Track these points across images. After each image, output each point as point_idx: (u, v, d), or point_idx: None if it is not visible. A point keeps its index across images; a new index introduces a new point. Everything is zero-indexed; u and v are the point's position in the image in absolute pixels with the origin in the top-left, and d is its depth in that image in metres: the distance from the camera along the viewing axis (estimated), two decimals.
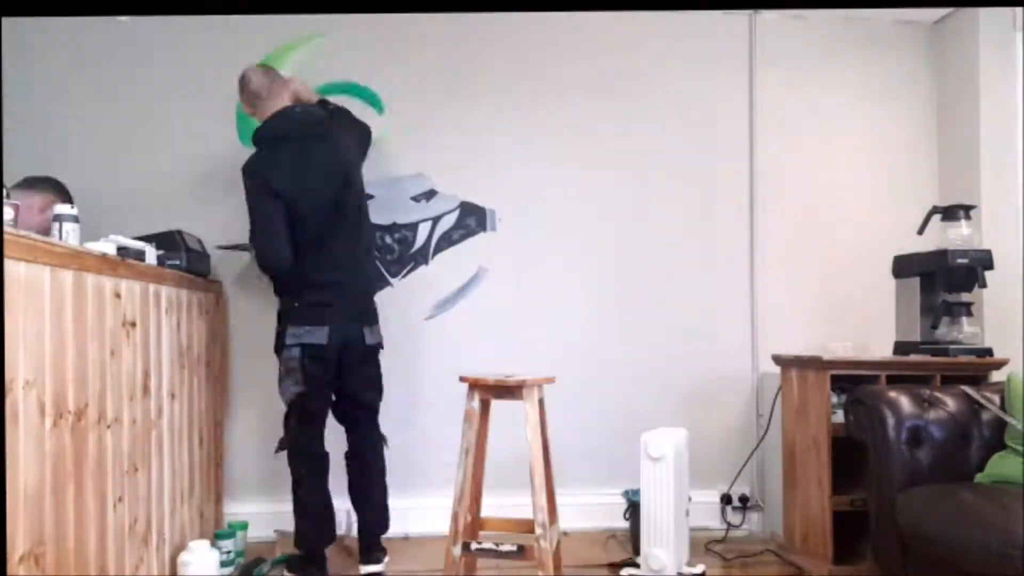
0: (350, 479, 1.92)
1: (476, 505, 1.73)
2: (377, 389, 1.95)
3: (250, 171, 1.81)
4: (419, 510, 2.24)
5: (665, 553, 1.76)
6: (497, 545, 1.60)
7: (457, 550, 1.62)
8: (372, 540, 1.90)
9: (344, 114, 2.02)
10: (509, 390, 1.65)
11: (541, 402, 1.69)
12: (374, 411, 1.95)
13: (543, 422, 1.70)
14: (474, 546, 1.62)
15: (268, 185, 1.77)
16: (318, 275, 1.81)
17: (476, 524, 1.73)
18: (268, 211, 1.78)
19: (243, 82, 1.89)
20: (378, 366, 1.95)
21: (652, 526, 1.78)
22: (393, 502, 1.98)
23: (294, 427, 1.88)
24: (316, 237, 1.80)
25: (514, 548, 1.58)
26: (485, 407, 1.70)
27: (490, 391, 1.68)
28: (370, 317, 1.92)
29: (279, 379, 1.86)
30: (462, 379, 1.69)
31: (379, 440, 1.96)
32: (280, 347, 1.85)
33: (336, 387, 1.89)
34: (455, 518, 1.65)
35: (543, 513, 1.57)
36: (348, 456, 1.94)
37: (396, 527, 2.03)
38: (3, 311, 1.03)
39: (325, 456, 1.90)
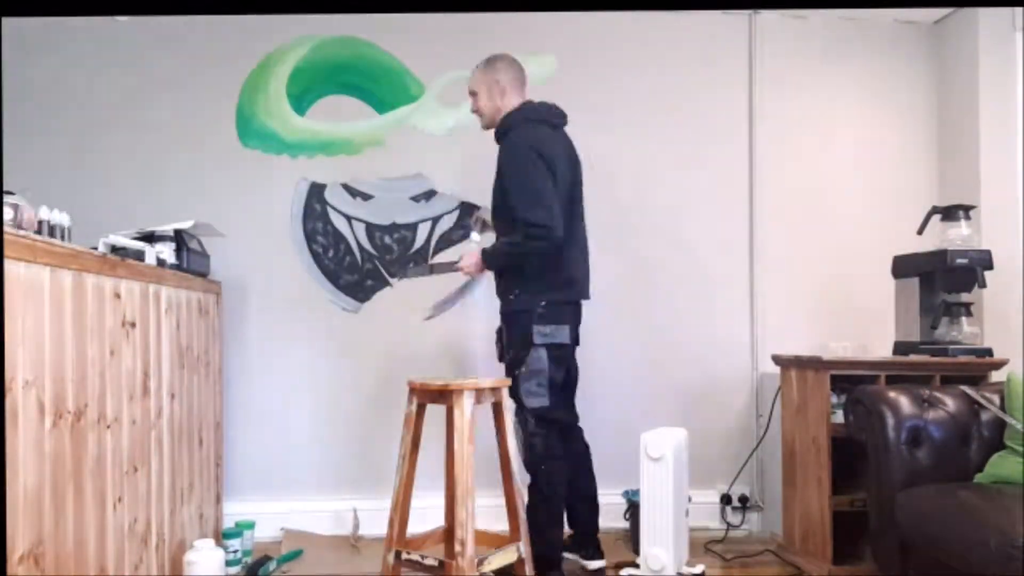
0: (578, 479, 1.89)
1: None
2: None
3: (516, 142, 1.75)
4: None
5: (665, 553, 1.76)
6: (422, 557, 1.62)
7: (391, 557, 1.65)
8: (589, 535, 1.89)
9: None
10: (442, 395, 1.62)
11: (497, 406, 1.68)
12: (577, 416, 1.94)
13: (502, 429, 1.69)
14: (403, 555, 1.64)
15: (543, 156, 1.72)
16: (566, 269, 1.81)
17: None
18: (543, 181, 1.70)
19: (501, 66, 1.85)
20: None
21: (652, 526, 1.78)
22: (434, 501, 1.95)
23: (544, 435, 1.77)
24: (571, 223, 1.79)
25: (435, 562, 1.59)
26: (421, 411, 1.69)
27: (427, 395, 1.66)
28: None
29: (520, 383, 1.76)
30: (409, 384, 1.68)
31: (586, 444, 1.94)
32: (522, 347, 1.76)
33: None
34: (391, 524, 1.66)
35: (463, 529, 1.56)
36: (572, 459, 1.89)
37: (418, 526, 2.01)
38: (3, 311, 1.03)
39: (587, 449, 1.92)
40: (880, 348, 2.23)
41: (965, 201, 2.15)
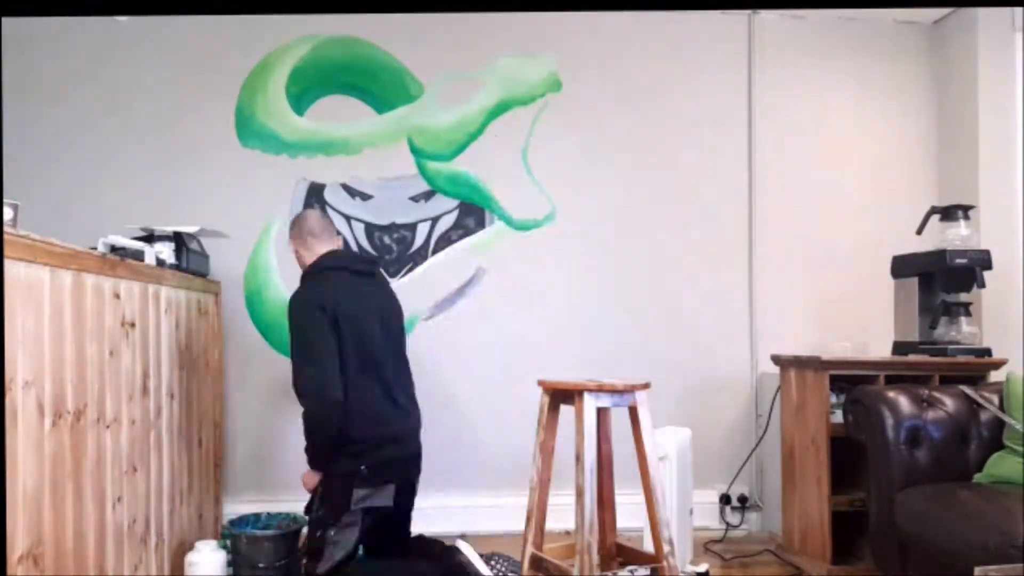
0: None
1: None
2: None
3: (295, 297, 1.63)
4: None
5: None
6: (631, 571, 1.52)
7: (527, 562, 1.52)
8: None
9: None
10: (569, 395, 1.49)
11: (633, 410, 1.53)
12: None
13: (637, 431, 1.52)
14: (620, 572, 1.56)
15: (324, 309, 1.56)
16: (380, 425, 1.61)
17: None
18: (318, 335, 1.55)
19: (300, 219, 1.78)
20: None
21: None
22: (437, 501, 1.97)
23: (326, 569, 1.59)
24: (372, 376, 1.62)
25: (647, 571, 1.49)
26: (554, 410, 1.57)
27: (558, 395, 1.54)
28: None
29: (321, 534, 1.57)
30: (539, 382, 1.57)
31: None
32: (330, 506, 1.59)
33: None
34: (528, 524, 1.55)
35: (668, 529, 1.50)
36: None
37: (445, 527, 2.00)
38: (3, 312, 1.03)
39: None
40: (879, 348, 2.23)
41: (964, 201, 2.15)
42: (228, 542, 1.85)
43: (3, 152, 2.20)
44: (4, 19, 2.19)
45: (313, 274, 1.69)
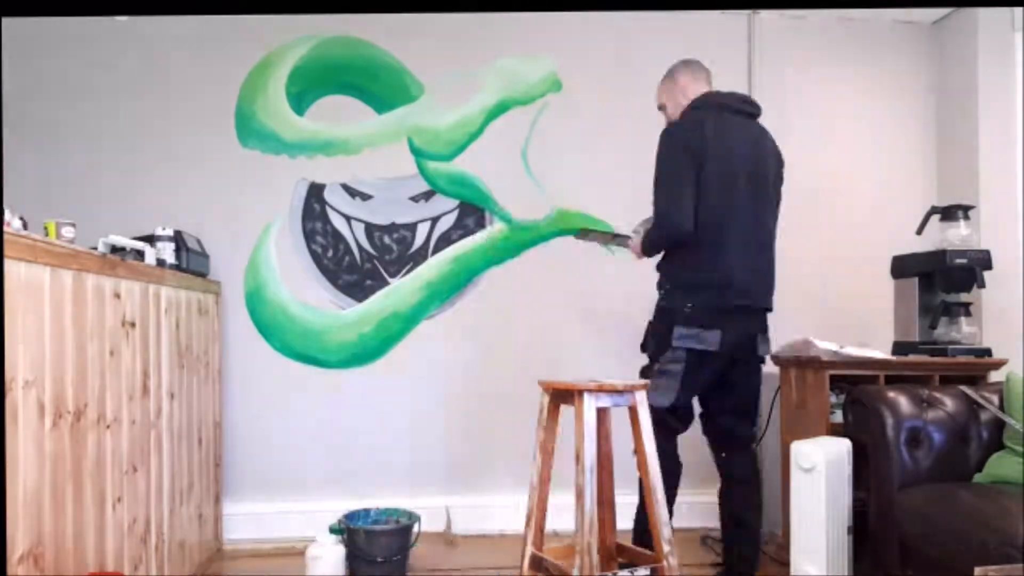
0: (729, 504, 1.73)
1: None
2: (754, 412, 1.72)
3: (666, 132, 1.69)
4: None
5: (816, 570, 1.64)
6: (632, 571, 1.50)
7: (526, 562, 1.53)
8: (738, 566, 1.69)
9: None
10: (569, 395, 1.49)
11: (633, 410, 1.52)
12: (749, 438, 1.74)
13: (638, 433, 1.51)
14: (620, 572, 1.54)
15: (690, 147, 1.60)
16: (722, 270, 1.61)
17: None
18: (677, 170, 1.60)
19: (677, 67, 1.79)
20: (759, 385, 1.72)
21: (802, 541, 1.67)
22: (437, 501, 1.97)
23: (661, 437, 1.64)
24: (728, 220, 1.60)
25: (646, 571, 1.49)
26: (554, 410, 1.58)
27: (557, 395, 1.54)
28: (765, 324, 1.69)
29: (651, 381, 1.63)
30: (540, 383, 1.57)
31: (755, 470, 1.74)
32: (658, 346, 1.67)
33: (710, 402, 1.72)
34: (528, 524, 1.56)
35: (667, 528, 1.49)
36: (726, 484, 1.74)
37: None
38: (3, 312, 1.03)
39: (672, 458, 1.71)
40: (879, 348, 2.23)
41: (964, 201, 2.15)
42: (342, 537, 1.86)
43: (3, 152, 2.21)
44: (4, 19, 2.19)
45: (688, 112, 1.70)
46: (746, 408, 1.73)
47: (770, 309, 1.71)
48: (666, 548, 1.51)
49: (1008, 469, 1.60)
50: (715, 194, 1.61)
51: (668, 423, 1.70)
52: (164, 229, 1.82)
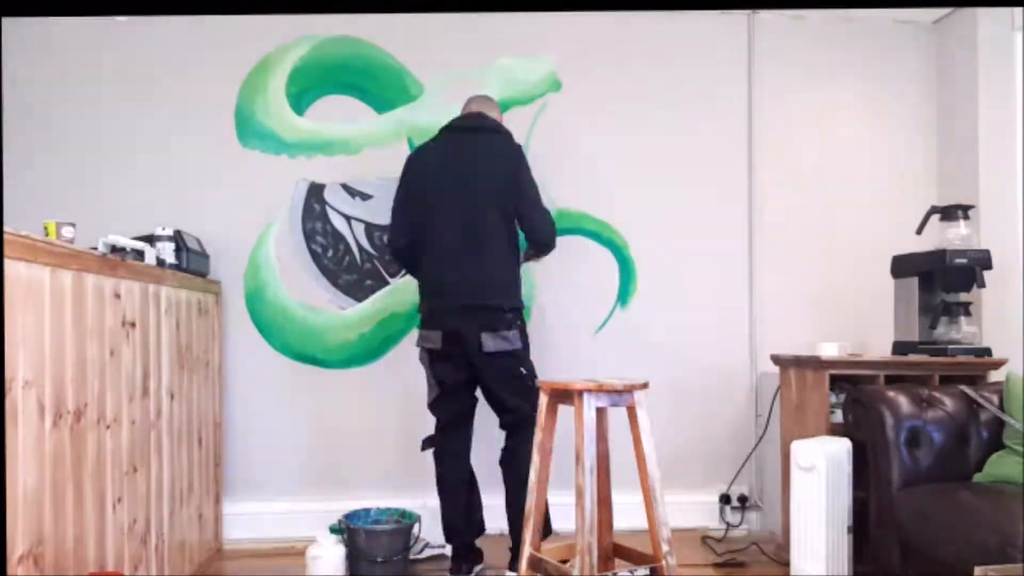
0: (506, 487, 1.85)
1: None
2: (520, 394, 1.80)
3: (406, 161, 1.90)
4: None
5: (815, 569, 1.65)
6: (632, 572, 1.53)
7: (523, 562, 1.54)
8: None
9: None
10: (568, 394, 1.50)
11: (631, 409, 1.53)
12: (520, 417, 1.81)
13: (636, 432, 1.52)
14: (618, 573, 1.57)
15: (405, 173, 1.87)
16: (430, 276, 1.84)
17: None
18: (396, 198, 1.88)
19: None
20: (515, 370, 1.81)
21: (802, 540, 1.68)
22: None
23: (437, 429, 1.90)
24: (433, 232, 1.81)
25: (646, 571, 1.51)
26: (552, 410, 1.59)
27: (555, 394, 1.56)
28: (489, 320, 1.76)
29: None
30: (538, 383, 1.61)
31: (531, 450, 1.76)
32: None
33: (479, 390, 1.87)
34: (526, 526, 1.58)
35: (666, 528, 1.50)
36: (500, 462, 1.87)
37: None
38: (2, 312, 1.03)
39: (461, 455, 1.88)
40: (879, 348, 2.23)
41: (964, 201, 2.15)
42: (342, 537, 1.88)
43: (3, 152, 2.21)
44: (4, 20, 2.19)
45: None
46: (498, 400, 1.83)
47: (495, 308, 1.77)
48: (664, 548, 1.51)
49: (1008, 469, 1.60)
50: (423, 210, 1.81)
51: (442, 422, 1.87)
52: (164, 229, 1.82)
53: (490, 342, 1.76)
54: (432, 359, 1.84)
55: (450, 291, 1.79)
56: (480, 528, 1.92)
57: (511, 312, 1.79)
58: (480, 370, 1.80)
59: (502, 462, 1.87)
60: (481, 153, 1.82)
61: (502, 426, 1.88)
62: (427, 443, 1.91)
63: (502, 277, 1.80)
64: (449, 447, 1.88)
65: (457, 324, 1.77)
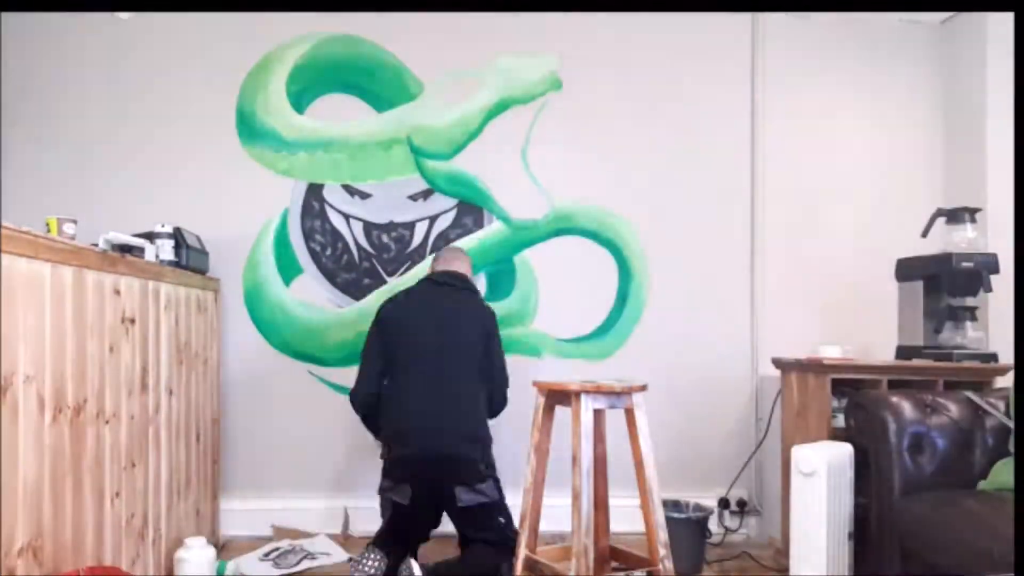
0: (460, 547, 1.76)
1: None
2: (500, 540, 1.70)
3: (377, 310, 1.86)
4: None
5: (815, 574, 1.62)
6: (627, 572, 1.51)
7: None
8: None
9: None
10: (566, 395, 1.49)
11: (629, 412, 1.52)
12: (494, 546, 1.71)
13: (633, 434, 1.52)
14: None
15: (378, 321, 1.81)
16: (396, 423, 1.73)
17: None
18: (367, 347, 1.81)
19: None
20: (493, 521, 1.72)
21: (802, 546, 1.66)
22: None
23: (383, 530, 1.76)
24: (407, 381, 1.74)
25: (643, 574, 1.49)
26: (549, 410, 1.59)
27: (553, 396, 1.56)
28: (464, 474, 1.69)
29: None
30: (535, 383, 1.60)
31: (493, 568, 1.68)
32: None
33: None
34: (522, 527, 1.57)
35: (663, 532, 1.48)
36: (460, 544, 1.77)
37: None
38: None
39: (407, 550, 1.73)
40: (882, 352, 2.20)
41: (971, 203, 2.13)
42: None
43: (3, 152, 2.22)
44: (5, 14, 2.21)
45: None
46: (468, 537, 1.73)
47: (471, 461, 1.69)
48: (662, 552, 1.49)
49: (1013, 476, 1.58)
50: (400, 360, 1.76)
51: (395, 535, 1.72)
52: (164, 226, 1.83)
53: (464, 496, 1.68)
54: (395, 510, 1.72)
55: (425, 440, 1.68)
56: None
57: (486, 466, 1.72)
58: (453, 518, 1.74)
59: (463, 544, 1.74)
60: (462, 310, 1.81)
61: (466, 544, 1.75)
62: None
63: (478, 432, 1.73)
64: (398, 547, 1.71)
65: (430, 474, 1.68)
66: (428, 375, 1.73)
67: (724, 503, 2.36)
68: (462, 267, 1.92)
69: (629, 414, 1.53)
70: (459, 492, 1.68)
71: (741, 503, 2.37)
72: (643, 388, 1.54)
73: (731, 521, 2.36)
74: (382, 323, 1.80)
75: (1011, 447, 1.65)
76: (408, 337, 1.76)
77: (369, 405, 1.80)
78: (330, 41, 2.36)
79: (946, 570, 1.43)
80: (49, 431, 1.18)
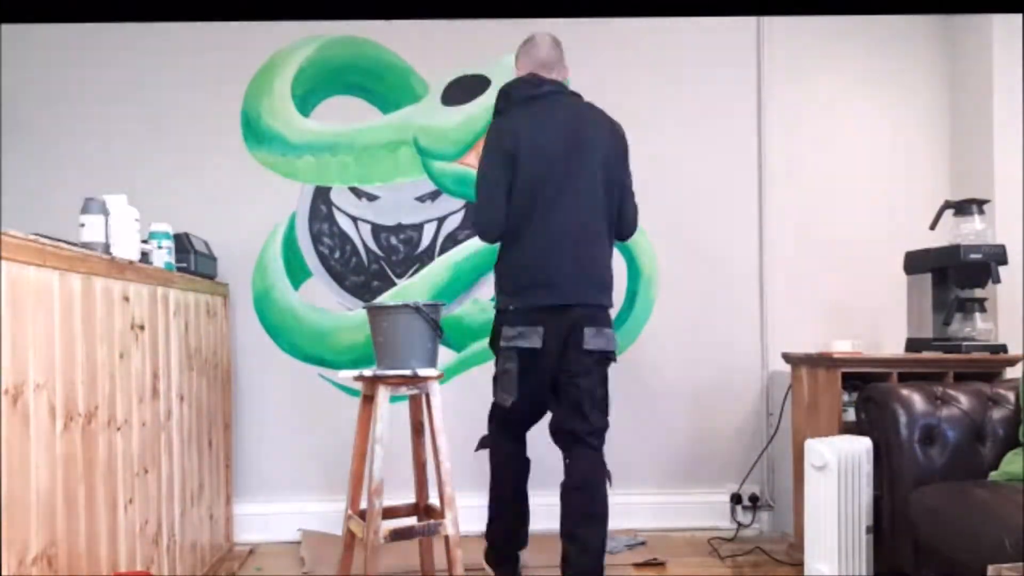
0: (562, 514, 1.61)
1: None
2: (600, 408, 1.63)
3: (489, 129, 1.66)
4: None
5: (829, 570, 1.62)
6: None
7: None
8: None
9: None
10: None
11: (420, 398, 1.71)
12: (587, 435, 1.62)
13: (418, 416, 1.76)
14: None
15: (502, 145, 1.58)
16: (533, 270, 1.59)
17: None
18: (491, 172, 1.59)
19: (521, 45, 1.71)
20: (602, 379, 1.65)
21: (815, 540, 1.66)
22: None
23: (493, 429, 1.75)
24: (536, 220, 1.57)
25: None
26: (367, 401, 1.75)
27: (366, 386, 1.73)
28: (594, 317, 1.61)
29: (493, 378, 1.70)
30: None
31: (600, 475, 1.62)
32: (495, 347, 1.69)
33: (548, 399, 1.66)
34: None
35: (450, 488, 1.65)
36: (562, 488, 1.63)
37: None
38: None
39: (519, 457, 1.72)
40: (892, 345, 2.20)
41: (979, 195, 2.11)
42: None
43: (3, 152, 2.23)
44: (4, 25, 2.21)
45: (501, 107, 1.67)
46: (577, 404, 1.61)
47: (602, 305, 1.64)
48: (449, 514, 1.63)
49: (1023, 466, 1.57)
50: (527, 195, 1.58)
51: (509, 422, 1.73)
52: (172, 232, 1.83)
53: (592, 340, 1.58)
54: (530, 361, 1.60)
55: (563, 285, 1.57)
56: (524, 542, 1.77)
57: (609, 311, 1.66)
58: (570, 373, 1.61)
59: (568, 490, 1.62)
60: (588, 126, 1.62)
61: (566, 446, 1.64)
62: (483, 443, 1.84)
63: (608, 274, 1.65)
64: (511, 447, 1.71)
65: (569, 321, 1.58)
66: (566, 210, 1.57)
67: (736, 498, 2.36)
68: (564, 71, 1.69)
69: (426, 399, 1.71)
70: (587, 334, 1.58)
71: (753, 498, 2.36)
72: (440, 376, 1.70)
73: (744, 516, 2.36)
74: (505, 146, 1.58)
75: (1021, 437, 1.64)
76: (536, 177, 1.56)
77: (491, 241, 1.66)
78: (334, 43, 2.36)
79: (958, 560, 1.43)
80: (61, 439, 1.19)
